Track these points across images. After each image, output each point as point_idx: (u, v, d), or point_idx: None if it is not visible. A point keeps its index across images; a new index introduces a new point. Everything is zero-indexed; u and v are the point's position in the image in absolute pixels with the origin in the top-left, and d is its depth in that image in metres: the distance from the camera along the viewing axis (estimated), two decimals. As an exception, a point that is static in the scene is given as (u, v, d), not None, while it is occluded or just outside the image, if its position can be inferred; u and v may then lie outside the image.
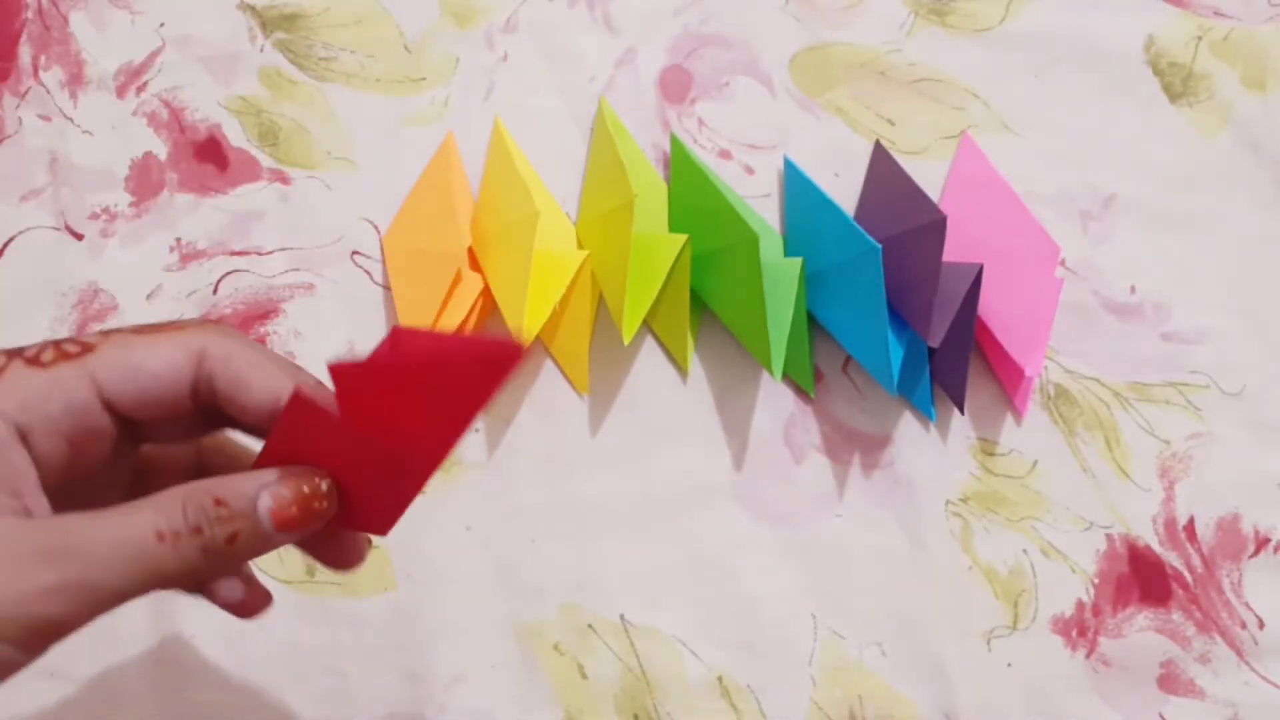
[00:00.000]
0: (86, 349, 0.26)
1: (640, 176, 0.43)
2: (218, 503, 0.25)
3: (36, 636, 0.23)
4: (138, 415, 0.26)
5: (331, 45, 0.45)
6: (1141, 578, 0.42)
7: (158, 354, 0.26)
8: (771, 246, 0.43)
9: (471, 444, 0.42)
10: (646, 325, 0.44)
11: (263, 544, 0.25)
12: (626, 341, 0.40)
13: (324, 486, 0.26)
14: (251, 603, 0.28)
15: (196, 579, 0.26)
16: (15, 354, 0.26)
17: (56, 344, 0.26)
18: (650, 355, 0.44)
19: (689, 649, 0.41)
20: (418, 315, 0.41)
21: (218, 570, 0.26)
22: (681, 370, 0.43)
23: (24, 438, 0.25)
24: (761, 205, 0.45)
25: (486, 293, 0.42)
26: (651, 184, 0.44)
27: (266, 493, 0.25)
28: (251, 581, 0.28)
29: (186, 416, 0.27)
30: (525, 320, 0.39)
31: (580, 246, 0.44)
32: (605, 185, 0.43)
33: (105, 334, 0.26)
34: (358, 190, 0.44)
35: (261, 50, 0.45)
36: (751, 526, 0.42)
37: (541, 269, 0.40)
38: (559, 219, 0.44)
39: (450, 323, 0.41)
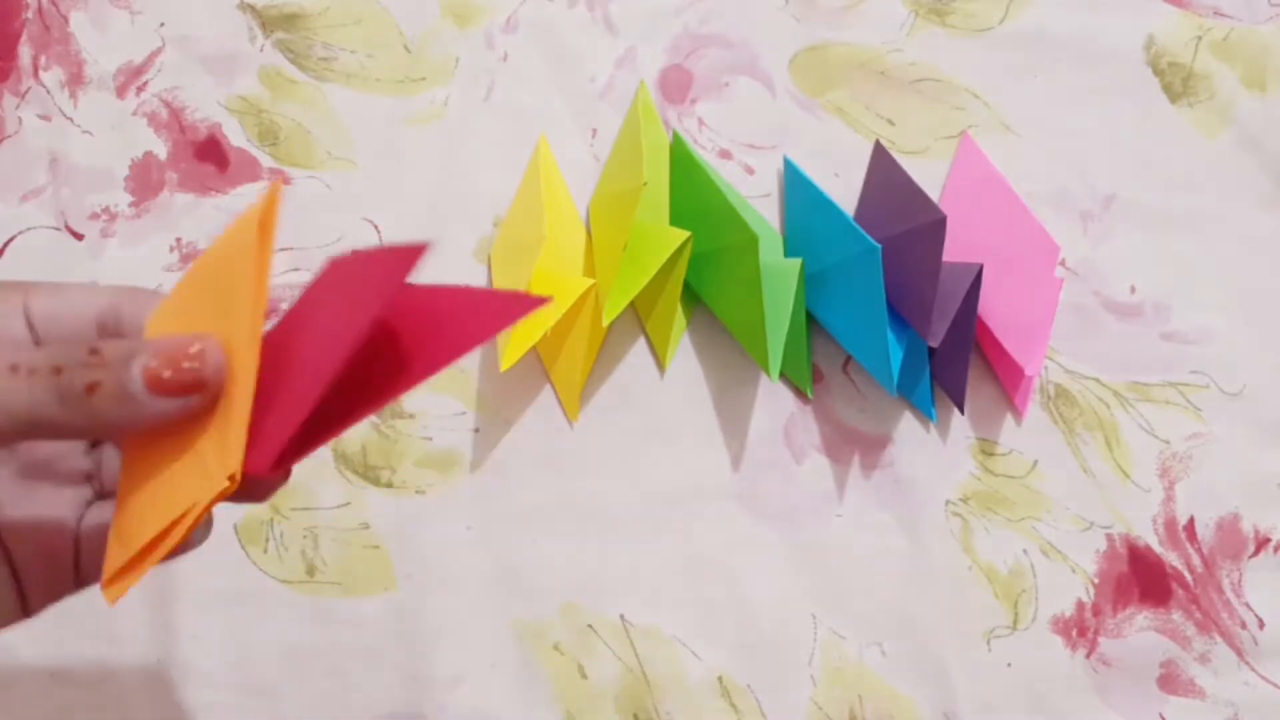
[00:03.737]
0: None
1: (658, 166, 0.43)
2: (91, 351, 0.23)
3: None
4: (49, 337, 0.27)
5: (331, 45, 0.45)
6: (1141, 578, 0.42)
7: (88, 289, 0.27)
8: (771, 246, 0.43)
9: (471, 444, 0.42)
10: (638, 321, 0.44)
11: (128, 405, 0.23)
12: (605, 323, 0.39)
13: (196, 348, 0.24)
14: None
15: (52, 426, 0.23)
16: None
17: None
18: (651, 357, 0.44)
19: (689, 649, 0.41)
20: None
21: (76, 422, 0.23)
22: (660, 365, 0.43)
23: None
24: (761, 205, 0.45)
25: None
26: (667, 176, 0.44)
27: (146, 353, 0.23)
28: None
29: None
30: (510, 342, 0.39)
31: (591, 225, 0.43)
32: (623, 167, 0.43)
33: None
34: (358, 190, 0.44)
35: (261, 50, 0.45)
36: (751, 526, 0.42)
37: (542, 292, 0.40)
38: (577, 242, 0.44)
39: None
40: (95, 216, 0.44)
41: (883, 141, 0.45)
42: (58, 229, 0.43)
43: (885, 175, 0.43)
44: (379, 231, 0.44)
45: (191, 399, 0.24)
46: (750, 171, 0.45)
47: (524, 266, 0.41)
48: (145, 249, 0.43)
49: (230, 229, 0.26)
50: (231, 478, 0.23)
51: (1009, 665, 0.42)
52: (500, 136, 0.45)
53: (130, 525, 0.25)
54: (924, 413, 0.43)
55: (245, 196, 0.44)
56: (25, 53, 0.45)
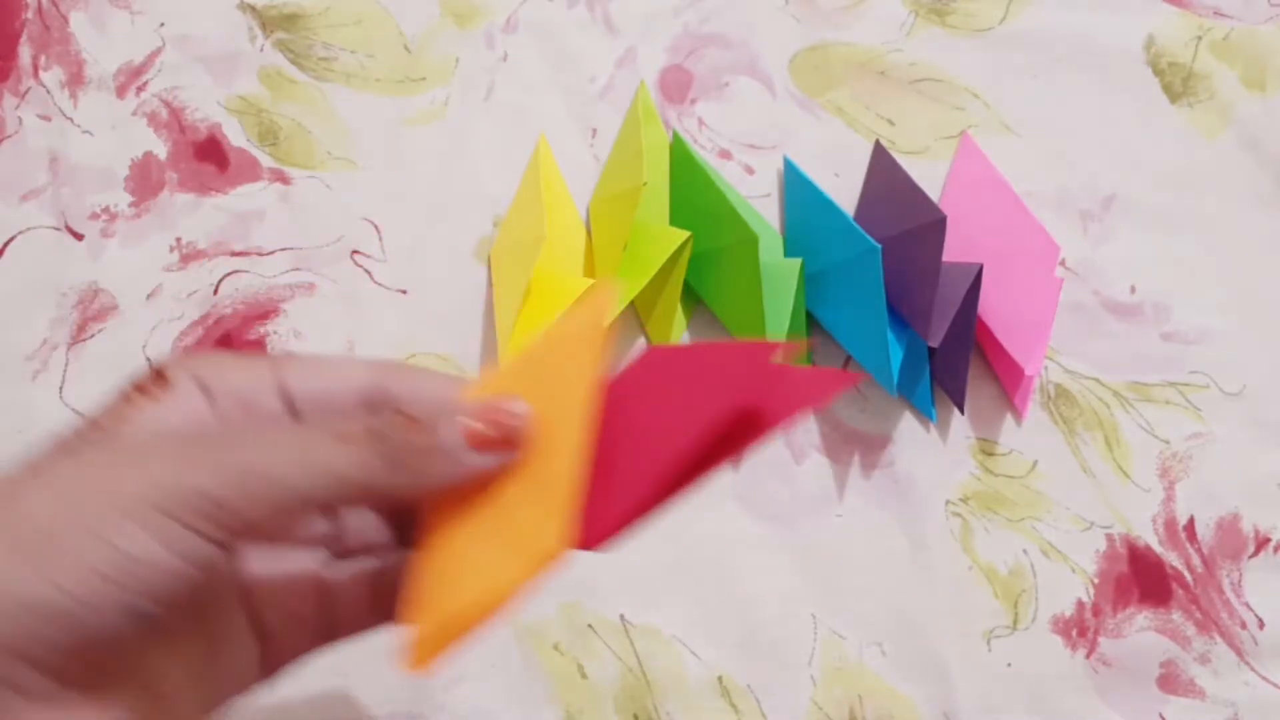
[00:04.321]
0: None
1: (658, 166, 0.43)
2: (403, 415, 0.24)
3: (214, 525, 0.22)
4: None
5: (331, 45, 0.45)
6: (1141, 578, 0.42)
7: (344, 363, 0.27)
8: (771, 246, 0.43)
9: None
10: (638, 321, 0.44)
11: (448, 461, 0.24)
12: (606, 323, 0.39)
13: (516, 406, 0.25)
14: None
15: (379, 489, 0.24)
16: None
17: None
18: (650, 355, 0.44)
19: (689, 649, 0.41)
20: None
21: (403, 483, 0.24)
22: None
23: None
24: (761, 205, 0.45)
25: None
26: (667, 176, 0.44)
27: (461, 411, 0.25)
28: None
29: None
30: (510, 343, 0.39)
31: (591, 225, 0.44)
32: (623, 168, 0.43)
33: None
34: (358, 190, 0.44)
35: (261, 50, 0.45)
36: (751, 526, 0.42)
37: (542, 292, 0.40)
38: (577, 242, 0.44)
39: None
40: (95, 216, 0.44)
41: (883, 141, 0.45)
42: (58, 229, 0.43)
43: (885, 175, 0.43)
44: (379, 231, 0.44)
45: (507, 455, 0.25)
46: (750, 171, 0.45)
47: (524, 266, 0.41)
48: (145, 249, 0.43)
49: (556, 325, 0.27)
50: (562, 553, 0.24)
51: (1009, 665, 0.42)
52: (500, 136, 0.45)
53: (436, 599, 0.25)
54: (924, 413, 0.43)
55: (245, 196, 0.44)
56: (25, 53, 0.45)
